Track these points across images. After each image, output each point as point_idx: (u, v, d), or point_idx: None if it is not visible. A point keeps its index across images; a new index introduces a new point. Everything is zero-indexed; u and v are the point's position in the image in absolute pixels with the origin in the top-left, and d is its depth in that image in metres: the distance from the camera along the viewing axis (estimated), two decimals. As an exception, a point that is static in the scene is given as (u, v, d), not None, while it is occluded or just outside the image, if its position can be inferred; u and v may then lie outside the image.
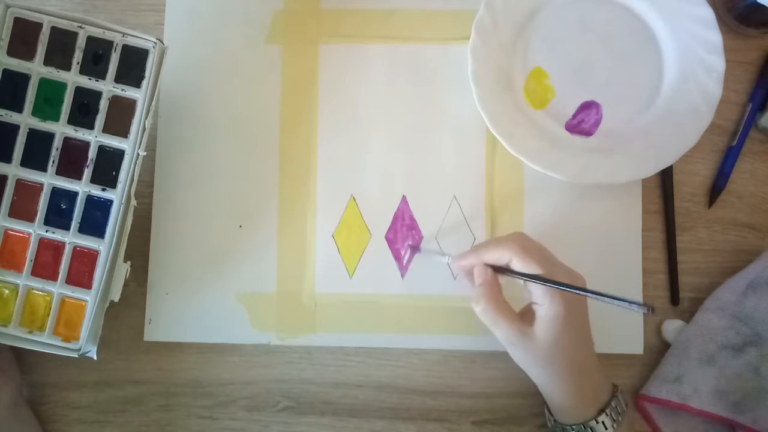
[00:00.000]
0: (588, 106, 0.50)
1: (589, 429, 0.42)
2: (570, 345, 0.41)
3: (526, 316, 0.42)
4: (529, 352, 0.41)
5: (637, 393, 0.48)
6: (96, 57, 0.44)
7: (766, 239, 0.51)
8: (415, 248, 0.49)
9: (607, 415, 0.42)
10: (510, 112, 0.49)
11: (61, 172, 0.44)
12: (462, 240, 0.50)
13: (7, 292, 0.44)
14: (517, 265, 0.41)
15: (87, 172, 0.44)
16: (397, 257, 0.50)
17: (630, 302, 0.37)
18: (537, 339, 0.41)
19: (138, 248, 0.50)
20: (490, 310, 0.41)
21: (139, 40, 0.44)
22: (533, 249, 0.42)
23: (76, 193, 0.44)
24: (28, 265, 0.44)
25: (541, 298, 0.41)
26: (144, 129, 0.44)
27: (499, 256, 0.42)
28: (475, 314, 0.42)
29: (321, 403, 0.50)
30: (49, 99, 0.44)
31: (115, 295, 0.45)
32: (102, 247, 0.44)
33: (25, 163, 0.44)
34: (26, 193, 0.44)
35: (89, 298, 0.44)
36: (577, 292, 0.40)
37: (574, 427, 0.42)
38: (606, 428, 0.41)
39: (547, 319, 0.40)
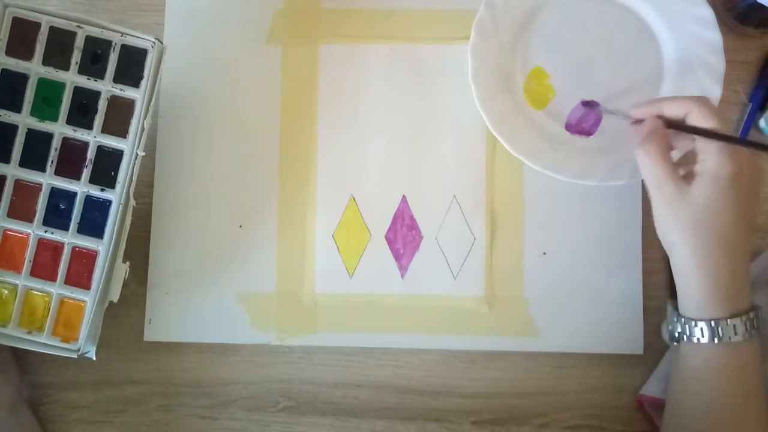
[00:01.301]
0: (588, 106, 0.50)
1: (718, 329, 0.36)
2: (726, 214, 0.37)
3: (686, 177, 0.39)
4: (676, 211, 0.38)
5: (637, 393, 0.48)
6: (95, 57, 0.44)
7: (766, 239, 0.51)
8: (593, 106, 0.45)
9: (741, 320, 0.36)
10: (510, 112, 0.49)
11: (59, 172, 0.44)
12: (462, 240, 0.50)
13: (6, 292, 0.44)
14: (696, 116, 0.39)
15: (86, 173, 0.44)
16: (397, 257, 0.50)
17: None
18: (692, 196, 0.38)
19: (138, 248, 0.50)
20: (654, 151, 0.39)
21: (138, 39, 0.44)
22: (714, 107, 0.40)
23: (74, 194, 0.44)
24: (27, 266, 0.44)
25: (711, 155, 0.38)
26: (143, 129, 0.44)
27: (678, 106, 0.40)
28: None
29: (321, 403, 0.50)
30: (47, 99, 0.44)
31: (114, 296, 0.45)
32: (101, 247, 0.44)
33: (24, 163, 0.44)
34: (25, 193, 0.44)
35: (88, 299, 0.44)
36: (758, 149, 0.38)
37: (700, 322, 0.37)
38: (736, 334, 0.36)
39: (709, 176, 0.37)
